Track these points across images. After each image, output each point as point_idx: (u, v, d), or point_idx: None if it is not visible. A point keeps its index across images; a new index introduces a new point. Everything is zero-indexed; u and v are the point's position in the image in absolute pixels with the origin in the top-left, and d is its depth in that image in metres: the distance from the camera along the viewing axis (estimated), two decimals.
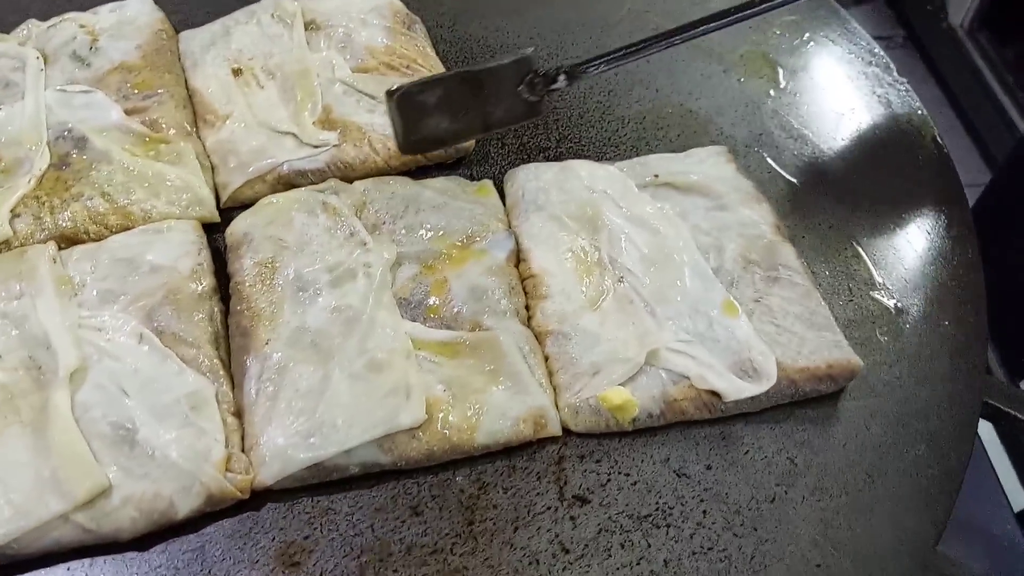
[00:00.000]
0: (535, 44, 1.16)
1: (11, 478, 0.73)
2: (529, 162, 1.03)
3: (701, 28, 0.88)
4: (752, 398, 0.81)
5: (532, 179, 0.95)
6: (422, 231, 0.89)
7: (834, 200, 1.01)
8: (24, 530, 0.71)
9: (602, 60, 0.90)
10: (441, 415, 0.77)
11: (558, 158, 1.03)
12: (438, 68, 1.08)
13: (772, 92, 1.12)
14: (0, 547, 0.71)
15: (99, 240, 0.91)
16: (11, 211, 0.91)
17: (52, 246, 0.87)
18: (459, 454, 0.78)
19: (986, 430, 1.09)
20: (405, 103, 0.88)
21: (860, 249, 0.97)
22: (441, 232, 0.90)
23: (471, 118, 0.90)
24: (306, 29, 1.09)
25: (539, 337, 0.85)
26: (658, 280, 0.87)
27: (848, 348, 0.84)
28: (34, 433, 0.75)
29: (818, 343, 0.84)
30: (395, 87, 0.87)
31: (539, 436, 0.79)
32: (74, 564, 0.74)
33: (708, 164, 0.98)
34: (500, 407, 0.78)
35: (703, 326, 0.84)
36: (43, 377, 0.78)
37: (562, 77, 0.89)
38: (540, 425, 0.79)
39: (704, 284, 0.87)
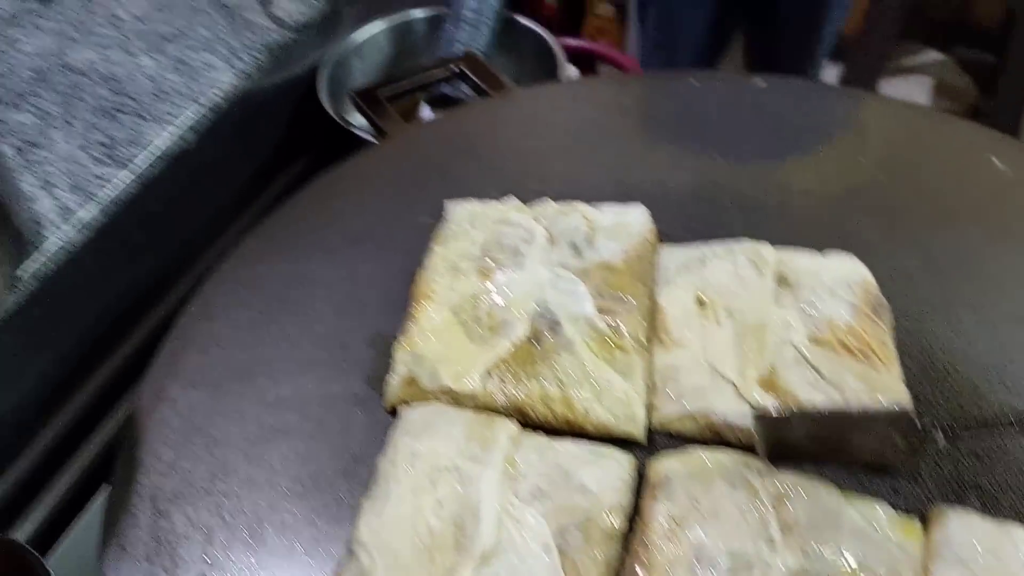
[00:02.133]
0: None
1: None
2: (962, 497, 0.97)
3: None
4: None
5: (966, 535, 0.89)
6: (833, 555, 0.85)
7: None
8: None
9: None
10: None
11: (994, 505, 0.96)
12: (893, 365, 1.06)
13: None
14: None
15: (540, 422, 1.03)
16: (486, 369, 1.07)
17: (515, 426, 1.00)
18: None
19: None
20: (767, 425, 0.95)
21: None
22: (855, 567, 0.85)
23: (836, 450, 0.95)
24: (776, 283, 1.15)
25: None
26: None
27: None
28: None
29: None
30: (761, 410, 0.96)
31: None
32: None
33: None
34: None
35: None
36: (460, 542, 0.88)
37: (940, 435, 0.90)
38: None
39: None
